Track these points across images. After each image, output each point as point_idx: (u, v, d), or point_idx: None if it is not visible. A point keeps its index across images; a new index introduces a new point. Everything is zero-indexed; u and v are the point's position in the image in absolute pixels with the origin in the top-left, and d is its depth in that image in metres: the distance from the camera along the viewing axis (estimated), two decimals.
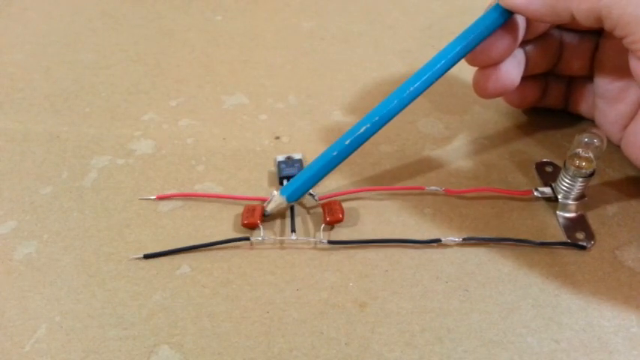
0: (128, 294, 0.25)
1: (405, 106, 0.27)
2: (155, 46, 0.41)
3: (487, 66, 0.27)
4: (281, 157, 0.30)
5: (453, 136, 0.32)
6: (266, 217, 0.28)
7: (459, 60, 0.27)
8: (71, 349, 0.23)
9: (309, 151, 0.31)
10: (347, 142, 0.27)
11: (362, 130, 0.27)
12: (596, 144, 0.26)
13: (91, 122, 0.34)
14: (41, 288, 0.25)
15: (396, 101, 0.26)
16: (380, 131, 0.33)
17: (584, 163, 0.26)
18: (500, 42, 0.26)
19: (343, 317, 0.24)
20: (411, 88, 0.26)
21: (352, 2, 0.46)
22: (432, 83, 0.27)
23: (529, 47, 0.29)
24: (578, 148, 0.26)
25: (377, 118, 0.27)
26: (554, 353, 0.22)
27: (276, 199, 0.27)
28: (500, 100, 0.35)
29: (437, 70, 0.26)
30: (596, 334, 0.23)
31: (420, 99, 0.27)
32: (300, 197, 0.28)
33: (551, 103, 0.33)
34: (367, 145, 0.32)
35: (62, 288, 0.25)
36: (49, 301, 0.24)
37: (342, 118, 0.34)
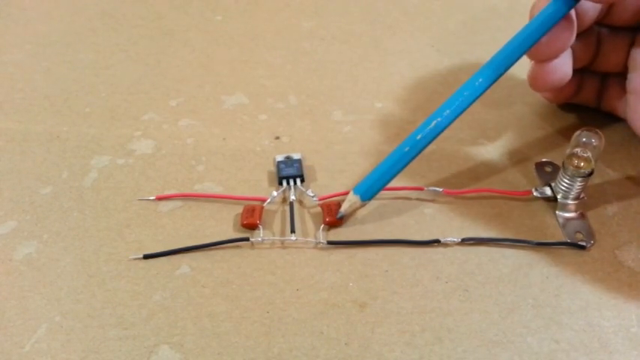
0: (128, 294, 0.25)
1: (477, 98, 0.26)
2: (155, 46, 0.41)
3: (548, 59, 0.27)
4: (280, 157, 0.30)
5: (454, 136, 0.32)
6: (340, 220, 0.27)
7: (525, 51, 0.26)
8: (71, 349, 0.23)
9: (309, 151, 0.31)
10: (418, 137, 0.26)
11: (433, 124, 0.26)
12: (594, 143, 0.26)
13: (91, 122, 0.34)
14: (41, 288, 0.25)
15: (466, 93, 0.26)
16: (379, 132, 0.33)
17: (582, 163, 0.26)
18: (564, 34, 0.26)
19: (343, 317, 0.24)
20: (480, 80, 0.26)
21: (352, 2, 0.46)
22: (501, 75, 0.26)
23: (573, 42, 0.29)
24: (576, 147, 0.26)
25: (448, 112, 0.26)
26: (554, 353, 0.22)
27: (349, 199, 0.27)
28: (498, 100, 0.35)
29: (505, 60, 0.26)
30: (596, 334, 0.23)
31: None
32: (374, 195, 0.27)
33: (584, 99, 0.33)
34: (366, 145, 0.32)
35: (62, 288, 0.25)
36: (49, 301, 0.24)
37: (342, 118, 0.34)
